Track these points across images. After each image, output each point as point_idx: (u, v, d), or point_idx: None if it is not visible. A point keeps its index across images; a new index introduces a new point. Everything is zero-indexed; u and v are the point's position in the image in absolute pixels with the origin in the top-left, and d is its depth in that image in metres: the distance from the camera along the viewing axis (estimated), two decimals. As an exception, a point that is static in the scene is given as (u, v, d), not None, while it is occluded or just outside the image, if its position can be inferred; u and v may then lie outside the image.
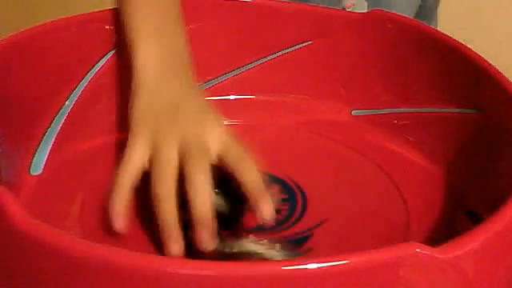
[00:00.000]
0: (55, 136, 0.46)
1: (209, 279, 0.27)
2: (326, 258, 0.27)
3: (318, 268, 0.27)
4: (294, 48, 0.51)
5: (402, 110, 0.49)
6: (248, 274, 0.27)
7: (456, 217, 0.41)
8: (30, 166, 0.44)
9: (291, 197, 0.43)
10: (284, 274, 0.27)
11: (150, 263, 0.27)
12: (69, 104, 0.46)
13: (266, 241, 0.38)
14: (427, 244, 0.27)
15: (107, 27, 0.48)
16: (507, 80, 0.42)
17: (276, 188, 0.44)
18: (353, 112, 0.51)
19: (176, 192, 0.38)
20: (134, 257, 0.27)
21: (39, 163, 0.44)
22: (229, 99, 0.51)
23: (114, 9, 0.48)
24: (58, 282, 0.29)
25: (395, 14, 0.49)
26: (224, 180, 0.40)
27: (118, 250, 0.27)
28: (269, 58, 0.51)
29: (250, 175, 0.39)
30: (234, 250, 0.37)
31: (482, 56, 0.44)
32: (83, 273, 0.28)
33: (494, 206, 0.31)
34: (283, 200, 0.43)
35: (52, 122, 0.46)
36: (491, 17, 0.76)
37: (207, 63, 0.50)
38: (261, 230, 0.40)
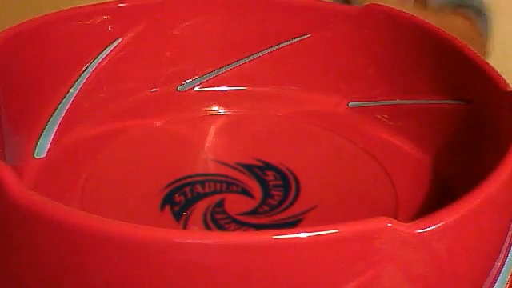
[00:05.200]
0: (59, 122, 0.47)
1: (196, 248, 0.27)
2: (316, 227, 0.27)
3: (309, 237, 0.27)
4: (292, 41, 0.52)
5: (396, 101, 0.50)
6: (237, 244, 0.27)
7: (443, 204, 0.42)
8: (34, 150, 0.45)
9: (285, 183, 0.45)
10: (275, 243, 0.27)
11: (141, 232, 0.27)
12: (73, 92, 0.48)
13: None
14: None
15: (112, 18, 0.49)
16: (495, 72, 0.43)
17: (270, 174, 0.45)
18: (350, 104, 0.52)
19: None
20: (135, 228, 0.27)
21: (43, 147, 0.46)
22: (224, 90, 0.52)
23: (120, 1, 0.49)
24: (57, 256, 0.29)
25: (391, 8, 0.50)
26: None
27: (113, 220, 0.28)
28: (268, 50, 0.52)
29: None
30: None
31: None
32: (78, 242, 0.28)
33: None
34: (277, 186, 0.44)
35: (56, 108, 0.47)
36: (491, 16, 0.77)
37: (206, 56, 0.51)
38: (253, 214, 0.42)
